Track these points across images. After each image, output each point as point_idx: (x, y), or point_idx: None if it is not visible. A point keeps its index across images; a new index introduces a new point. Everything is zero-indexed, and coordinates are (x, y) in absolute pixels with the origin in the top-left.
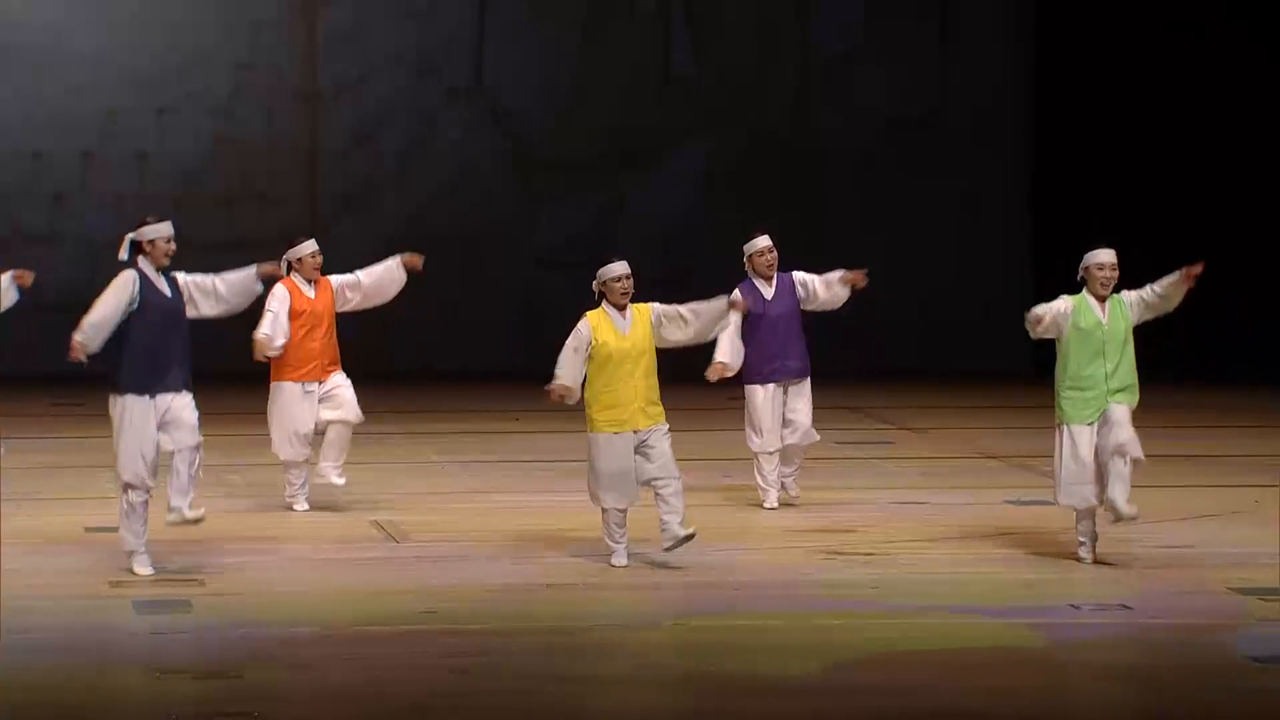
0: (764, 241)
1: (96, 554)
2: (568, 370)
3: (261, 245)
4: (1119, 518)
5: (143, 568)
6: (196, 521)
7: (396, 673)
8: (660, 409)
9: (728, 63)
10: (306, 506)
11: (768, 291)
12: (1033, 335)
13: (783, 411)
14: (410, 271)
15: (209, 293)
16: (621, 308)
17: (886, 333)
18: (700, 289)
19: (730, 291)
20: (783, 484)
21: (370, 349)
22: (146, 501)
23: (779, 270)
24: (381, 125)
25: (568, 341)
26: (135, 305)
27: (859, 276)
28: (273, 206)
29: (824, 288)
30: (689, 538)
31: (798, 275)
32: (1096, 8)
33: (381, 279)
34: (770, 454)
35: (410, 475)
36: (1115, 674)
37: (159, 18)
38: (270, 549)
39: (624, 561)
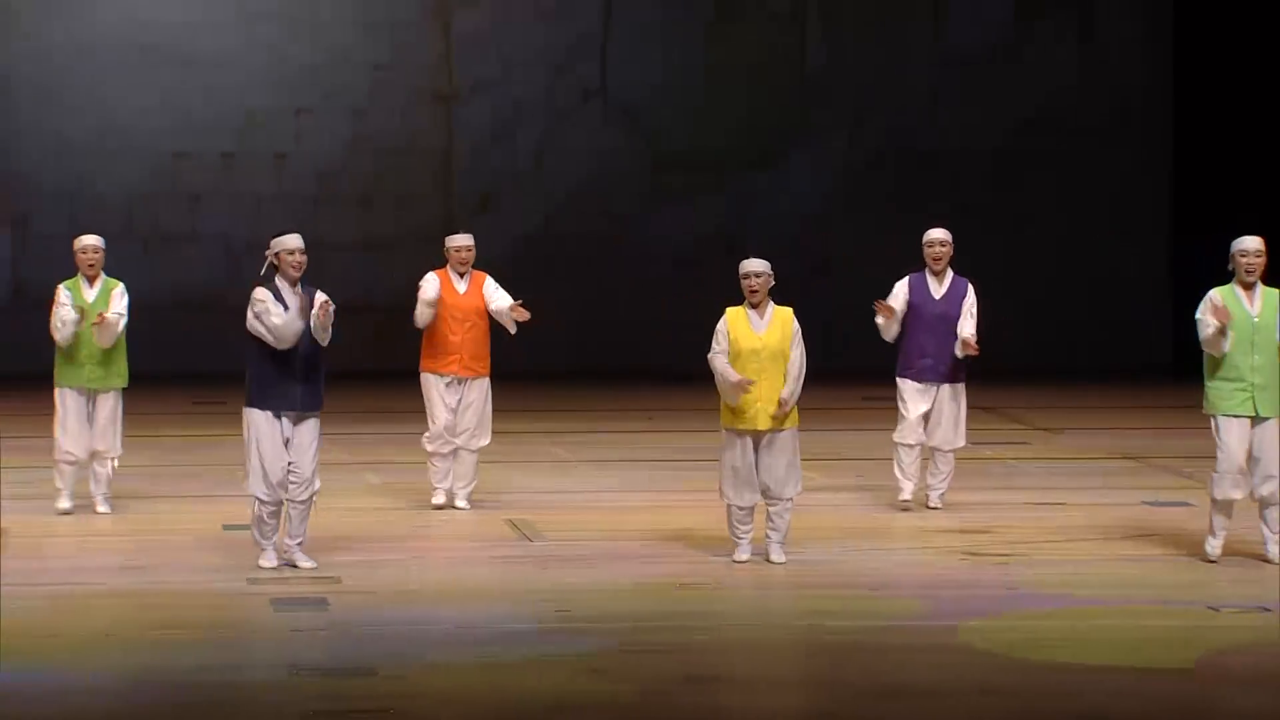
0: (935, 234)
1: (235, 552)
2: (727, 365)
3: (397, 245)
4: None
5: (267, 560)
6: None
7: (530, 672)
8: (787, 413)
9: (862, 61)
10: (444, 500)
11: (937, 289)
12: (1217, 344)
13: (930, 410)
14: (519, 321)
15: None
16: (755, 306)
17: (1023, 332)
18: (832, 288)
19: (863, 287)
20: (926, 495)
21: (502, 348)
22: (276, 511)
23: (958, 274)
24: (515, 125)
25: (713, 343)
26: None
27: (971, 349)
28: (408, 207)
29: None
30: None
31: (971, 292)
32: (1234, 6)
33: (500, 315)
34: (909, 446)
35: (543, 474)
36: (1255, 677)
37: (298, 20)
38: (405, 548)
39: (746, 557)
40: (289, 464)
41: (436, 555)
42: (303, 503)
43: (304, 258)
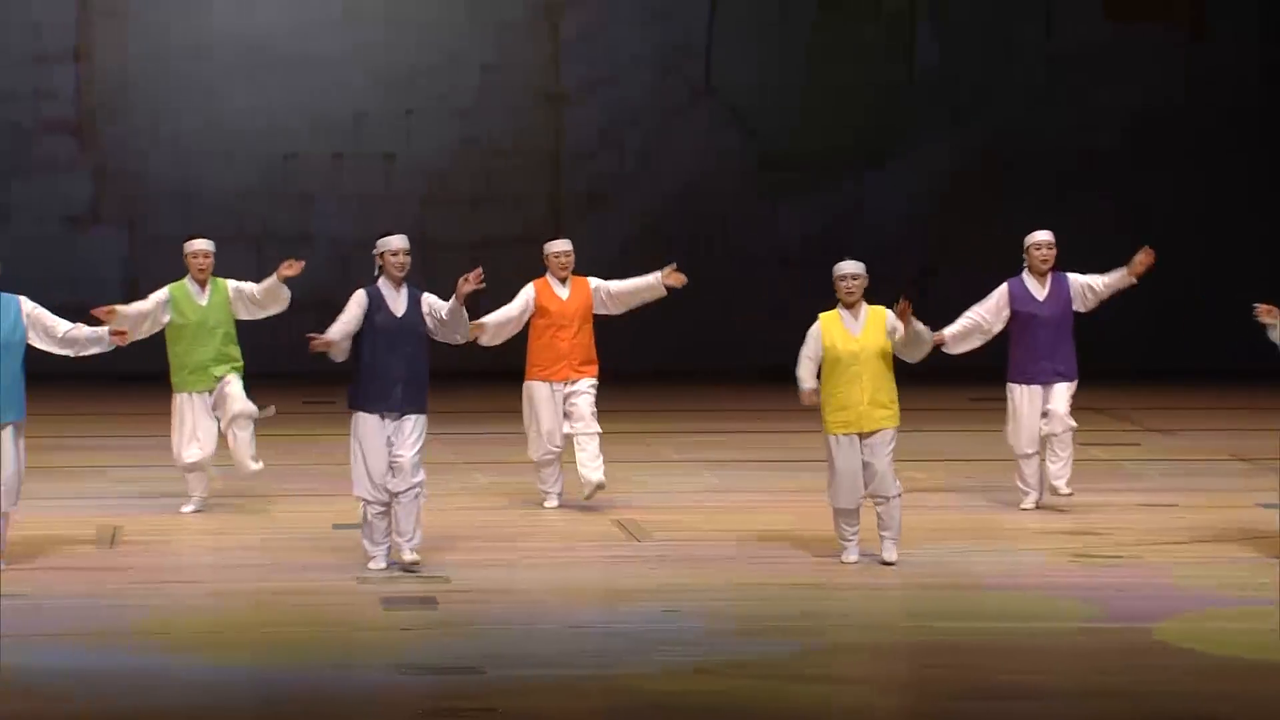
0: (1040, 236)
1: (344, 551)
2: (806, 373)
3: (506, 245)
4: None
5: (377, 564)
6: (414, 565)
7: (638, 671)
8: (889, 412)
9: (971, 60)
10: (557, 503)
11: (1040, 292)
12: None
13: (1041, 407)
14: (674, 286)
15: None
16: (849, 306)
17: (1134, 331)
18: (938, 288)
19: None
20: (1052, 485)
21: (611, 348)
22: (384, 511)
23: (1056, 270)
24: (623, 126)
25: (802, 348)
26: (362, 324)
27: (1147, 259)
28: (517, 207)
29: (1103, 285)
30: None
31: (1074, 278)
32: None
33: (639, 289)
34: (1028, 456)
35: (651, 475)
36: None
37: (407, 21)
38: (514, 548)
39: (855, 559)
40: (391, 459)
41: (544, 555)
42: (407, 495)
43: (407, 258)
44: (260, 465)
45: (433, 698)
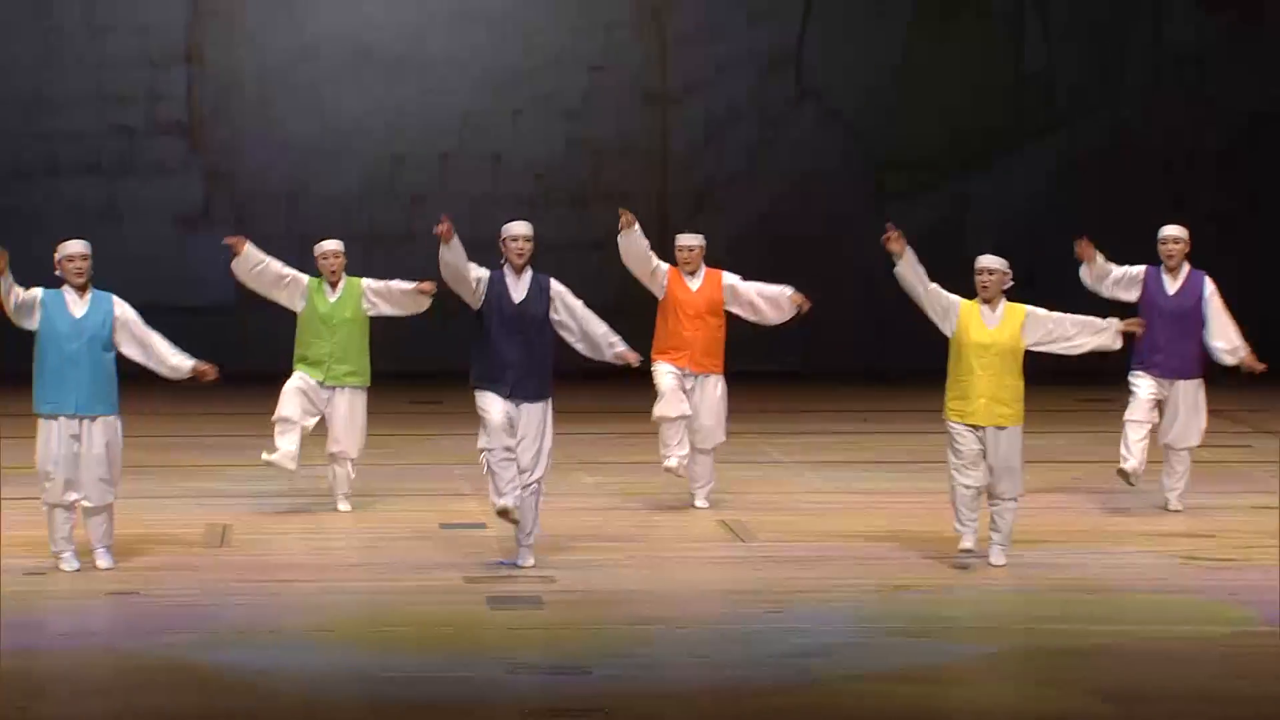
0: (1168, 231)
1: (452, 550)
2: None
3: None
4: None
5: (509, 500)
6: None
7: (743, 671)
8: (1010, 411)
9: (1080, 59)
10: (675, 463)
11: (1171, 285)
12: None
13: (1164, 401)
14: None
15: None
16: (986, 301)
17: (1248, 331)
18: (1047, 289)
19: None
20: (1165, 499)
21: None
22: (507, 459)
23: (1194, 267)
24: (729, 125)
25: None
26: (479, 306)
27: (1253, 364)
28: (623, 206)
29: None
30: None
31: (1212, 293)
32: None
33: (774, 298)
34: (1137, 422)
35: (756, 475)
36: None
37: (514, 21)
38: (620, 548)
39: (970, 545)
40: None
41: (650, 555)
42: (525, 491)
43: (527, 244)
44: (348, 508)
45: (540, 697)
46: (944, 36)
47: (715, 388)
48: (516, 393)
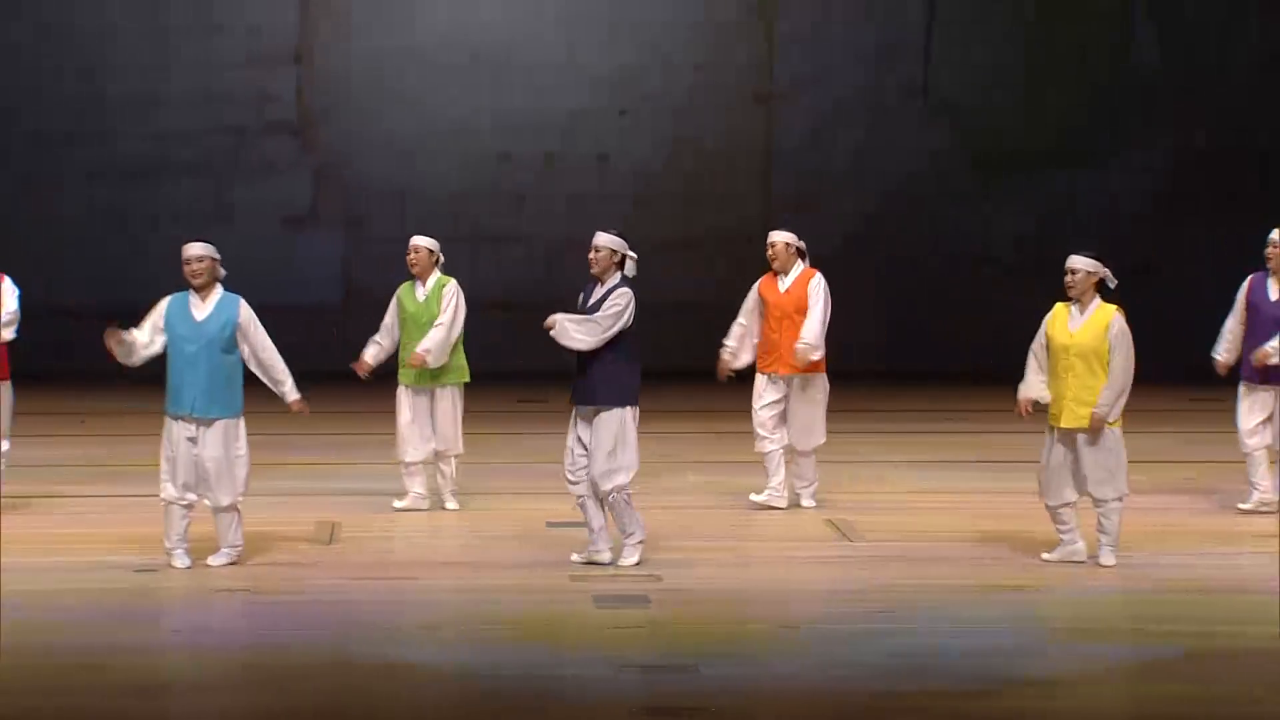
0: (1273, 234)
1: (558, 548)
2: (1029, 367)
3: (717, 244)
4: None
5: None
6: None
7: (851, 672)
8: (1098, 428)
9: (1188, 58)
10: (763, 498)
11: (1275, 291)
12: None
13: (1271, 413)
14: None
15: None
16: (1074, 300)
17: None
18: (1155, 288)
19: (1187, 287)
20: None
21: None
22: (580, 501)
23: None
24: (835, 125)
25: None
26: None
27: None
28: (729, 206)
29: None
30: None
31: None
32: None
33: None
34: (1249, 452)
35: (863, 475)
36: None
37: (620, 21)
38: (726, 547)
39: (1051, 557)
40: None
41: (756, 554)
42: (603, 496)
43: (595, 254)
44: (456, 506)
45: (646, 695)
46: (1051, 35)
47: (811, 388)
48: (581, 399)
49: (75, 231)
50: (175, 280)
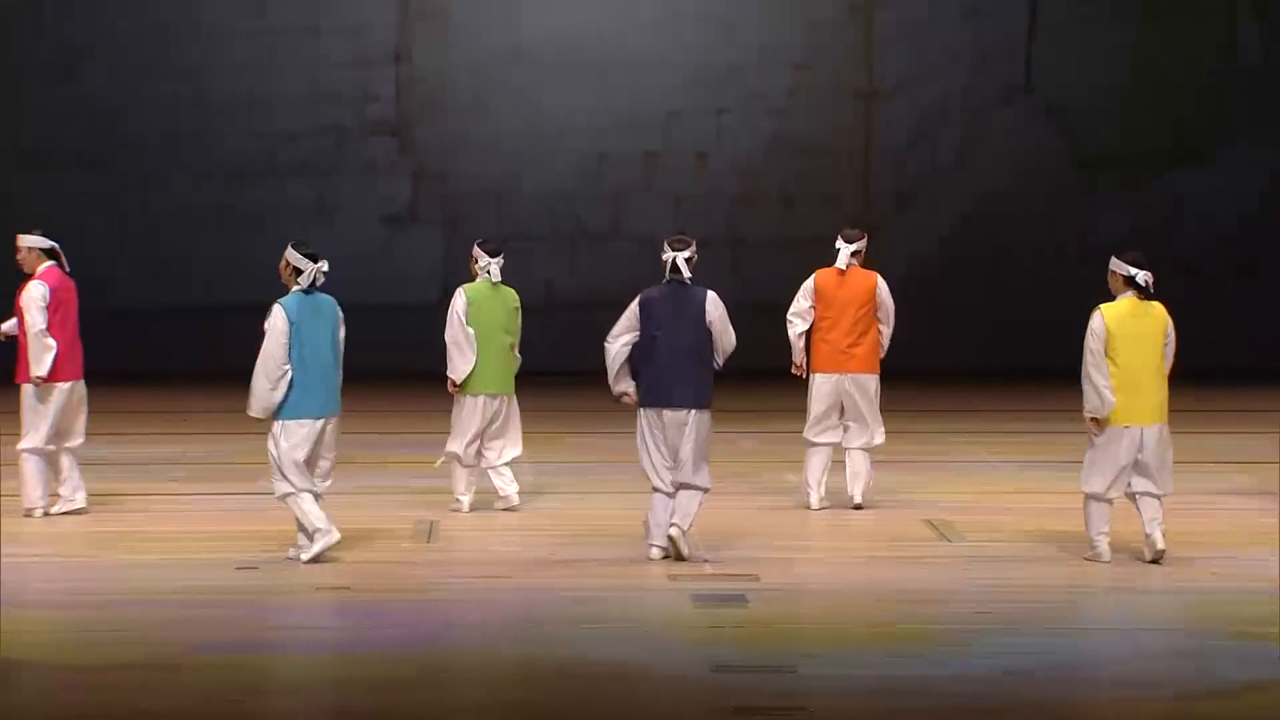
0: None
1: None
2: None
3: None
4: None
5: (653, 554)
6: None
7: (951, 671)
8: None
9: None
10: (816, 502)
11: None
12: None
13: None
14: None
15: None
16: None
17: None
18: (1260, 288)
19: None
20: None
21: (914, 346)
22: (665, 501)
23: None
24: (936, 123)
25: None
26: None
27: None
28: (828, 205)
29: None
30: (1156, 557)
31: None
32: None
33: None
34: None
35: (963, 475)
36: None
37: (720, 20)
38: (824, 546)
39: (1104, 557)
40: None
41: (854, 554)
42: (685, 489)
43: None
44: (515, 504)
45: (745, 695)
46: (1157, 33)
47: (870, 388)
48: (678, 401)
49: (179, 232)
50: (279, 282)
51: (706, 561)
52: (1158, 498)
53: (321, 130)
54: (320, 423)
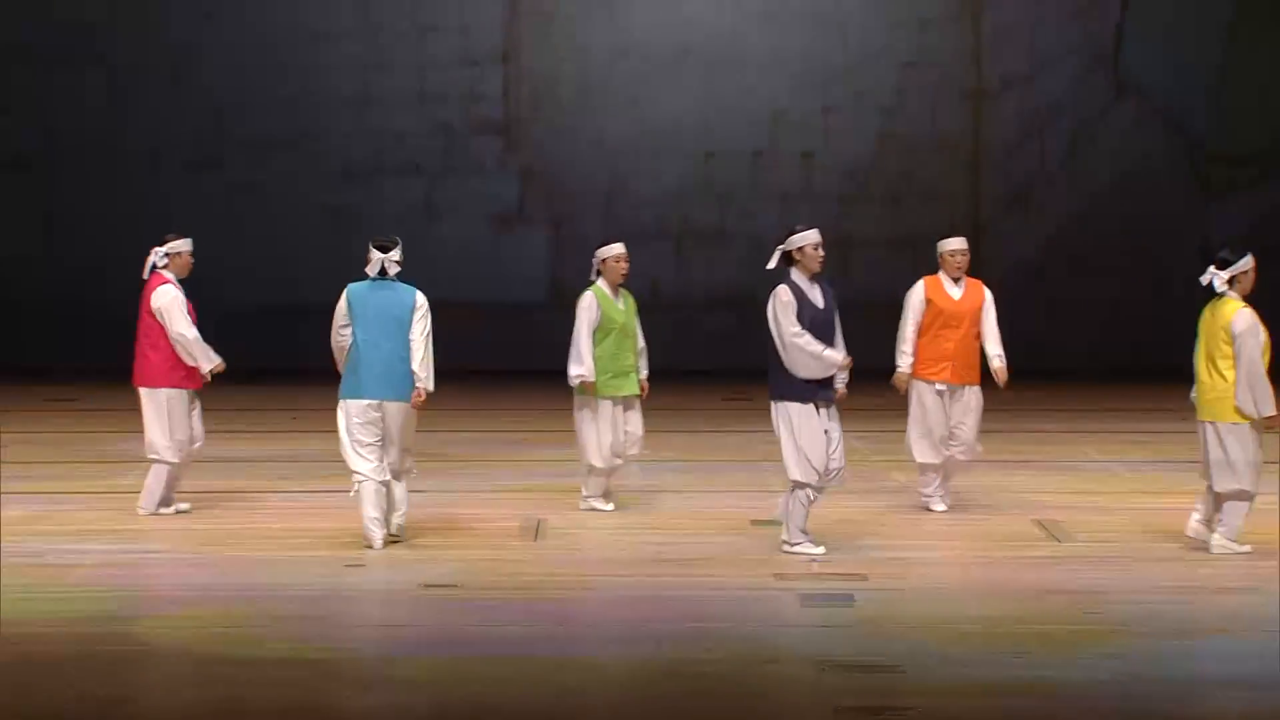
0: None
1: (763, 547)
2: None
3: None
4: None
5: (810, 549)
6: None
7: (1059, 674)
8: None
9: None
10: (944, 507)
11: None
12: None
13: None
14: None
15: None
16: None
17: None
18: None
19: None
20: None
21: (1021, 346)
22: (813, 497)
23: None
24: (1046, 122)
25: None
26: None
27: None
28: (936, 204)
29: None
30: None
31: None
32: None
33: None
34: None
35: (1073, 474)
36: None
37: (827, 19)
38: (932, 546)
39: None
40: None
41: (963, 554)
42: (837, 480)
43: (821, 251)
44: (611, 507)
45: (853, 695)
46: (1268, 30)
47: (975, 399)
48: (826, 396)
49: (289, 232)
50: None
51: (814, 561)
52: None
53: (430, 130)
54: (376, 405)
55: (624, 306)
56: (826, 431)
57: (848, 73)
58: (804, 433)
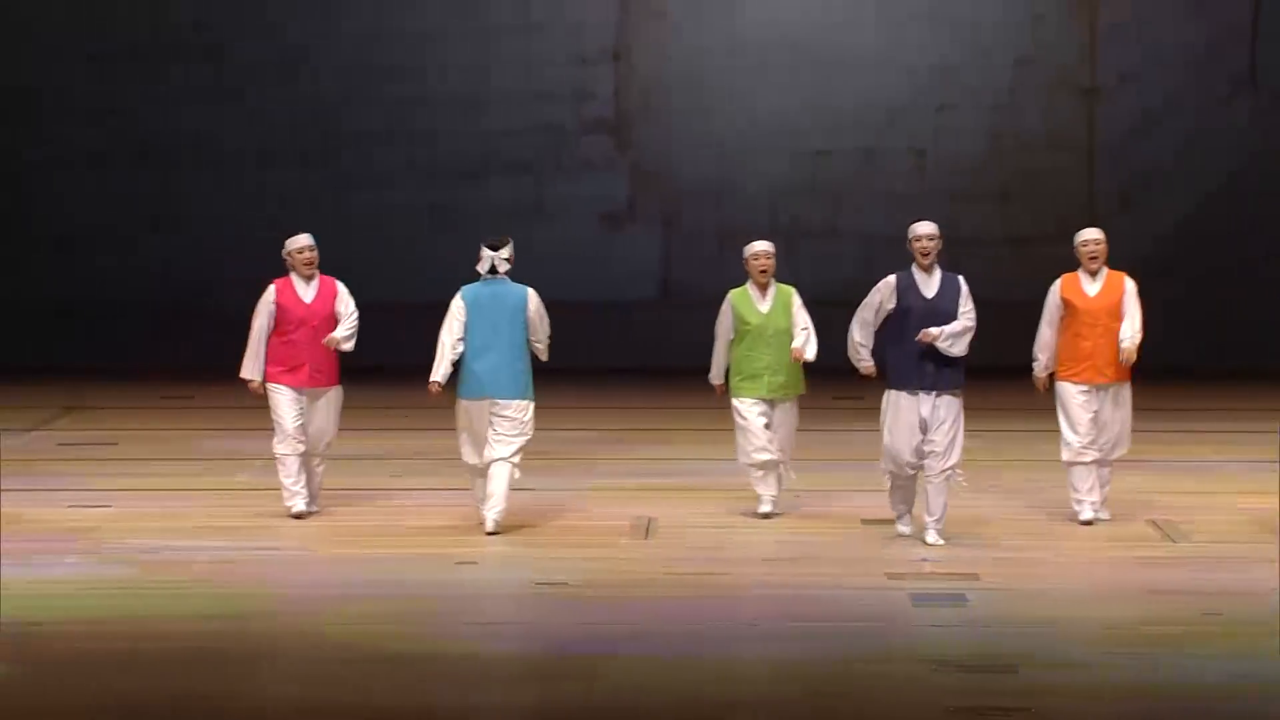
0: None
1: (874, 546)
2: None
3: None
4: None
5: (903, 526)
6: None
7: (1175, 674)
8: None
9: None
10: (1090, 515)
11: None
12: None
13: None
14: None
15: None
16: None
17: None
18: None
19: None
20: None
21: (1143, 344)
22: (907, 484)
23: None
24: (1160, 119)
25: None
26: (893, 306)
27: None
28: (1049, 203)
29: None
30: None
31: None
32: None
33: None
34: None
35: (1189, 475)
36: None
37: (939, 17)
38: (1045, 546)
39: None
40: (923, 439)
41: (1078, 554)
42: (938, 477)
43: (930, 243)
44: (770, 509)
45: (965, 695)
46: None
47: (1122, 396)
48: (934, 384)
49: (399, 231)
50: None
51: (925, 560)
52: None
53: (540, 128)
54: (486, 403)
55: (768, 307)
56: (924, 419)
57: (960, 70)
58: (890, 421)
